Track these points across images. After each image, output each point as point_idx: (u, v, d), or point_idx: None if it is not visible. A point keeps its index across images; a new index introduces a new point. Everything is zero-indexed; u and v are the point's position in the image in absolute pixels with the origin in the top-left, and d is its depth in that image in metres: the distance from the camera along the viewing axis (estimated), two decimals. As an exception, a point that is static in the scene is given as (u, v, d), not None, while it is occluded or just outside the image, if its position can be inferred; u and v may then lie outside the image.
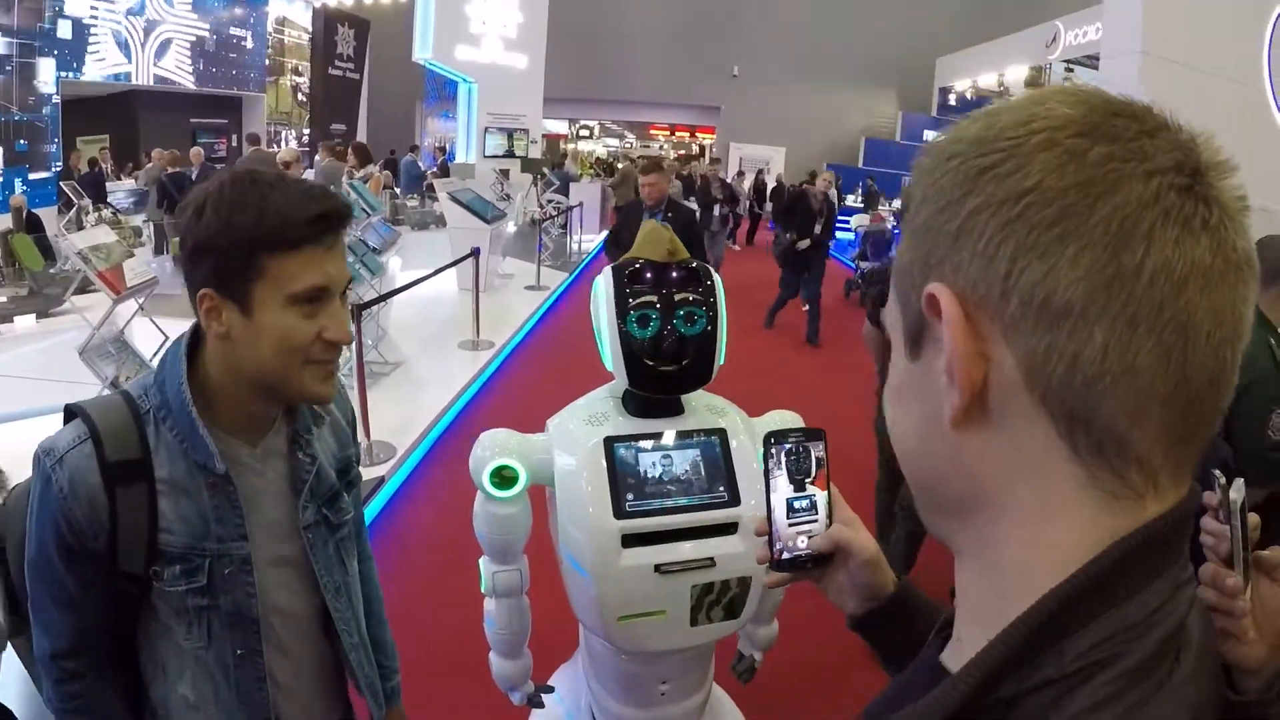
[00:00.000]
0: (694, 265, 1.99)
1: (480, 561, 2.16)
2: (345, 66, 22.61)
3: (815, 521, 1.03)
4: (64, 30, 14.32)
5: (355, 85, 23.22)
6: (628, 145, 34.33)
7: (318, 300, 1.28)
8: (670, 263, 1.96)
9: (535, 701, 2.37)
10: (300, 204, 1.25)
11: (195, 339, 1.36)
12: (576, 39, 23.12)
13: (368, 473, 5.10)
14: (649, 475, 1.91)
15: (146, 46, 16.51)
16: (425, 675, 3.25)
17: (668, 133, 31.37)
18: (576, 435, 1.96)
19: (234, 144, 16.02)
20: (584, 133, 31.88)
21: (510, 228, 11.68)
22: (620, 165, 21.28)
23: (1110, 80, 8.84)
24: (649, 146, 34.30)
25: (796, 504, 1.03)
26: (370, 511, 4.86)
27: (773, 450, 1.04)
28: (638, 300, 1.89)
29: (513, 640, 2.24)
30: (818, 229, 9.64)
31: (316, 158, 17.60)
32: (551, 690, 2.44)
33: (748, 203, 18.66)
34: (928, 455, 0.60)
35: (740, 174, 21.78)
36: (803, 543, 1.02)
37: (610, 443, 1.92)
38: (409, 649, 3.01)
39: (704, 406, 2.07)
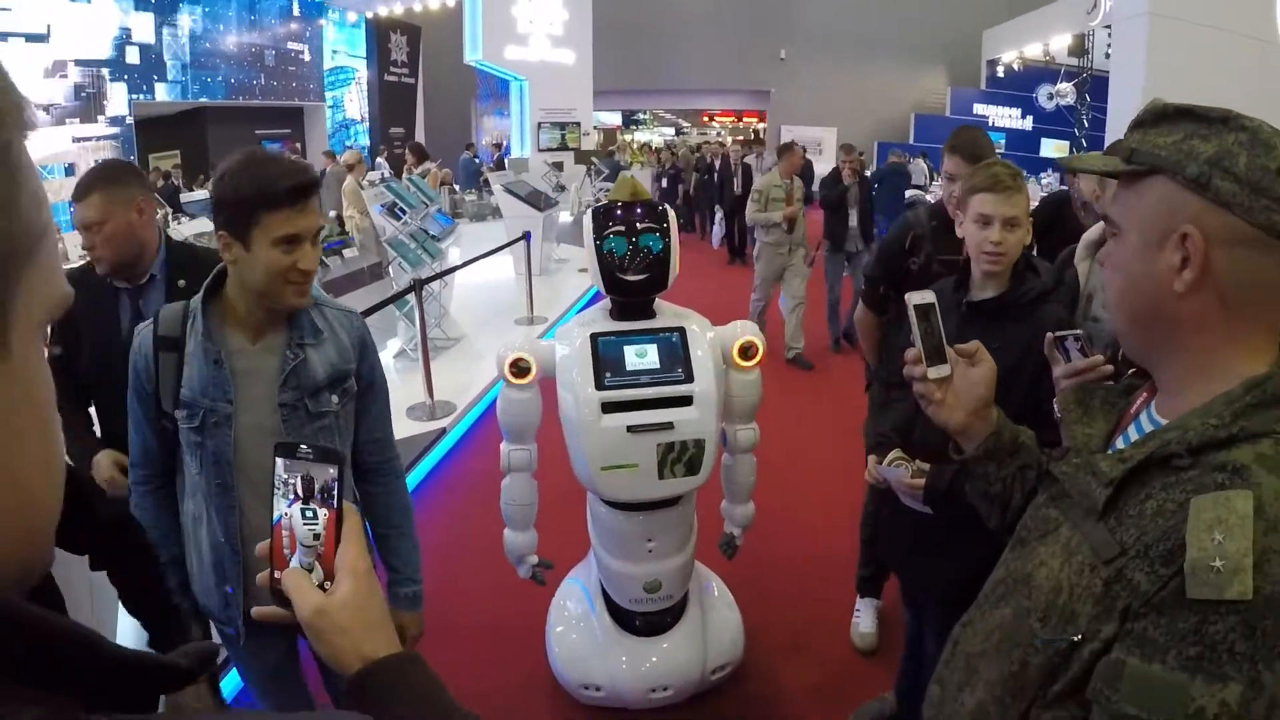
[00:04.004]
0: (653, 202, 2.63)
1: (501, 446, 2.83)
2: (400, 72, 23.46)
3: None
4: (132, 56, 15.37)
5: (411, 89, 24.06)
6: (685, 133, 34.81)
7: (293, 242, 1.84)
8: (635, 202, 2.60)
9: (538, 577, 3.04)
10: (281, 177, 1.83)
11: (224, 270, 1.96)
12: (623, 32, 23.67)
13: (431, 425, 5.83)
14: (624, 360, 2.56)
15: (208, 65, 17.55)
16: (461, 594, 3.95)
17: (734, 119, 31.76)
18: (572, 333, 2.65)
19: (299, 152, 17.01)
20: (638, 121, 32.48)
21: (565, 216, 12.35)
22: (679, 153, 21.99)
23: (1121, 42, 9.15)
24: (705, 134, 34.72)
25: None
26: (433, 457, 5.60)
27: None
28: (610, 229, 2.54)
29: (522, 514, 2.93)
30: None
31: (380, 159, 18.54)
32: (551, 566, 3.07)
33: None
34: None
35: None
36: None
37: (595, 337, 2.59)
38: (451, 570, 3.77)
39: (671, 313, 2.74)
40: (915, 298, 1.42)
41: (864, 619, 3.73)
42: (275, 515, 0.97)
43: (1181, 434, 1.02)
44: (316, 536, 0.95)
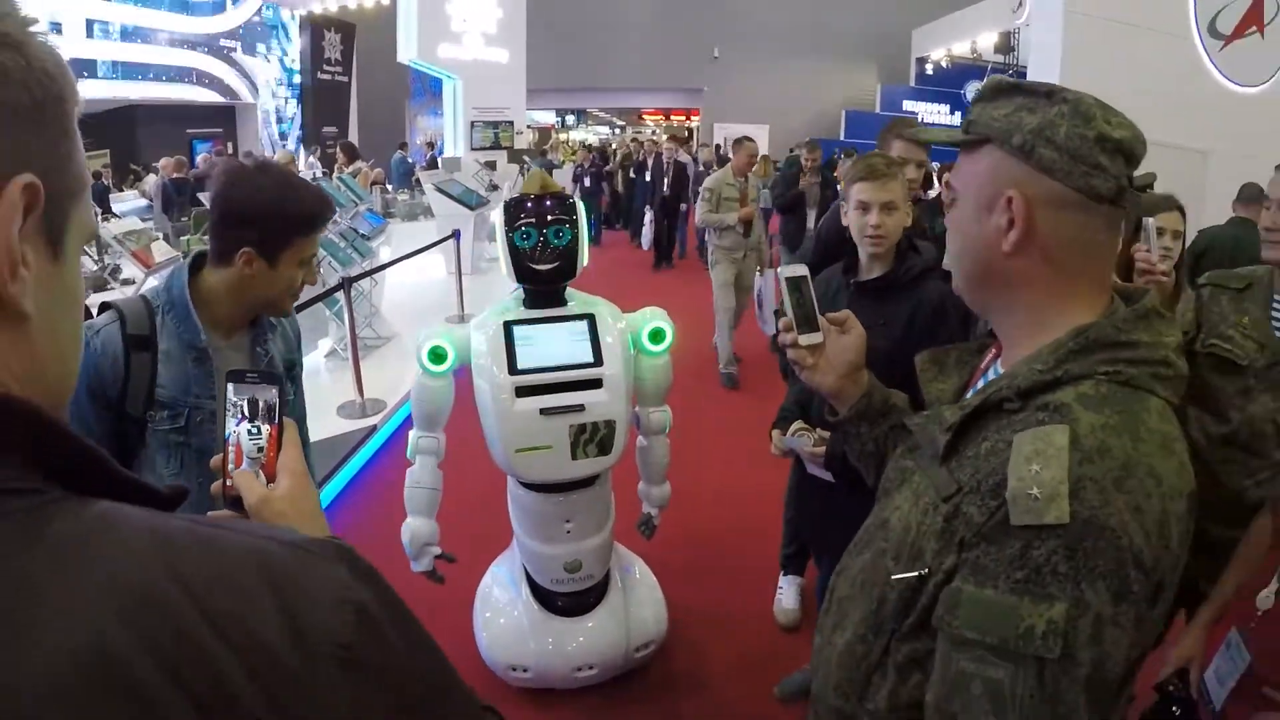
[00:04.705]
0: (562, 195, 2.73)
1: (410, 434, 2.95)
2: (334, 70, 23.23)
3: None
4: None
5: (344, 88, 23.83)
6: (618, 131, 34.87)
7: (310, 260, 1.96)
8: (544, 194, 2.70)
9: (435, 574, 3.00)
10: (320, 204, 1.96)
11: (196, 264, 1.97)
12: (557, 30, 23.74)
13: (362, 422, 5.86)
14: (535, 346, 2.66)
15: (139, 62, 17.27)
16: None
17: (662, 117, 31.87)
18: (487, 322, 2.75)
19: (230, 151, 16.81)
20: (570, 121, 32.49)
21: (497, 215, 12.36)
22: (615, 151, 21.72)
23: (1038, 39, 9.40)
24: (640, 132, 34.81)
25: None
26: (364, 454, 5.63)
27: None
28: (520, 221, 2.64)
29: (426, 497, 2.97)
30: None
31: (311, 158, 18.37)
32: (453, 559, 3.03)
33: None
34: None
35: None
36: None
37: (508, 324, 2.69)
38: (380, 563, 3.80)
39: (582, 300, 2.84)
40: (786, 271, 1.51)
41: (787, 595, 3.86)
42: (226, 433, 1.12)
43: (1012, 380, 1.11)
44: (260, 449, 1.10)
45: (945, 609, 1.06)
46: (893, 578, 1.17)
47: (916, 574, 1.13)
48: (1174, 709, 1.89)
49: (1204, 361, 2.38)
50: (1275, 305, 2.30)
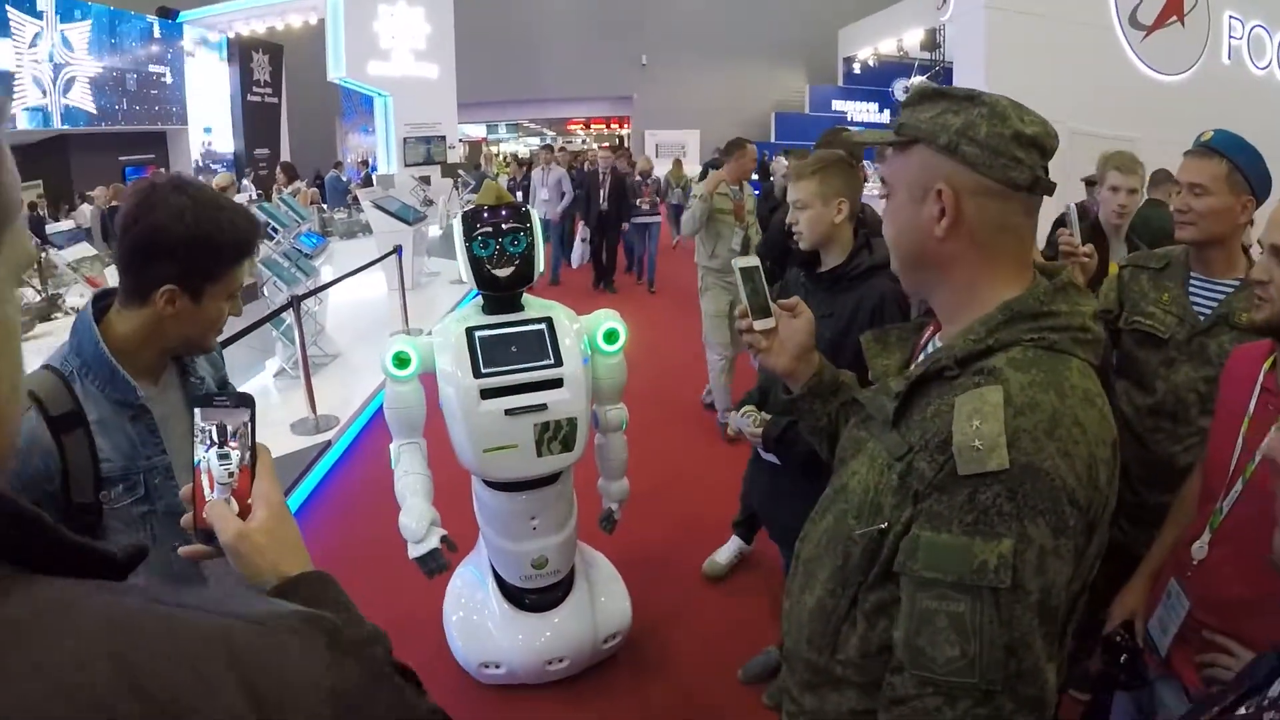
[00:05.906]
0: (516, 204, 2.87)
1: (390, 446, 2.99)
2: (263, 92, 22.97)
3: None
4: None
5: (275, 109, 23.59)
6: (550, 141, 34.92)
7: (238, 292, 1.74)
8: (499, 205, 2.82)
9: (439, 560, 2.86)
10: (250, 226, 1.73)
11: (97, 310, 1.69)
12: (486, 44, 23.74)
13: (316, 438, 5.89)
14: (498, 350, 2.79)
15: (69, 89, 16.97)
16: (354, 599, 4.06)
17: (583, 126, 32.02)
18: (449, 329, 2.86)
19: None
20: (502, 133, 32.50)
21: (434, 230, 12.41)
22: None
23: (962, 36, 9.65)
24: (570, 142, 34.91)
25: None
26: (320, 469, 5.67)
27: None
28: (478, 231, 2.76)
29: (422, 482, 2.91)
30: None
31: (245, 181, 18.19)
32: (455, 548, 2.93)
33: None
34: None
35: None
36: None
37: (470, 330, 2.82)
38: (342, 576, 3.86)
39: (539, 306, 2.97)
40: (740, 262, 1.66)
41: (722, 553, 4.25)
42: (195, 460, 1.06)
43: (950, 351, 1.25)
44: (231, 474, 1.05)
45: (906, 555, 1.19)
46: (856, 534, 1.30)
47: (878, 528, 1.25)
48: (1122, 657, 2.06)
49: (1128, 337, 2.59)
50: (1192, 281, 2.50)
